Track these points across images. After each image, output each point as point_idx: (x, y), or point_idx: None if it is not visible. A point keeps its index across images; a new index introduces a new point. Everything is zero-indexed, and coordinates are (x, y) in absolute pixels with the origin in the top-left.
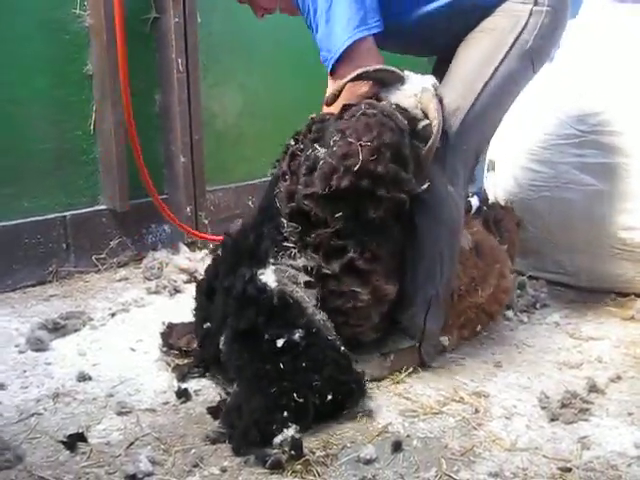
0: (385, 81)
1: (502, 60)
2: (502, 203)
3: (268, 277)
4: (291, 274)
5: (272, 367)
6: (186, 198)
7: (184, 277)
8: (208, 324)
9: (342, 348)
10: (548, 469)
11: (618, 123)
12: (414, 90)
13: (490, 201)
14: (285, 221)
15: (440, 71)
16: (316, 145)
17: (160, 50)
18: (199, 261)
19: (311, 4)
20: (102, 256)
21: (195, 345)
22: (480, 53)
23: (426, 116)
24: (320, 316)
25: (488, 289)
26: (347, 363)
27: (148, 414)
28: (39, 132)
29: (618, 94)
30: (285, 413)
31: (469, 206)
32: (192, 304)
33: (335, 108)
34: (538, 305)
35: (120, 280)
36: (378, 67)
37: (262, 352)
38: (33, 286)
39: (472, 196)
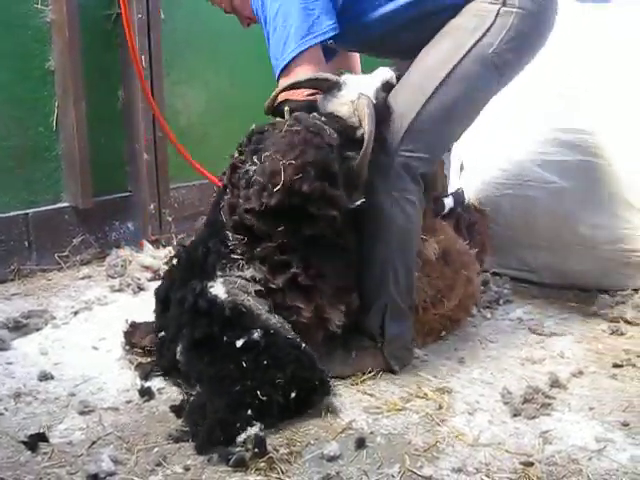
0: (321, 88)
1: (459, 62)
2: (477, 205)
3: (218, 289)
4: (241, 284)
5: (234, 366)
6: (150, 195)
7: (148, 275)
8: (163, 333)
9: (303, 345)
10: (511, 464)
11: (580, 121)
12: (350, 96)
13: (465, 203)
14: (230, 234)
15: None
16: (254, 158)
17: (123, 46)
18: (163, 259)
19: (261, 13)
20: (65, 254)
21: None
22: (437, 55)
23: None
24: (275, 319)
25: (454, 299)
26: (310, 360)
27: (111, 413)
28: (0, 129)
29: (580, 93)
30: (249, 411)
31: (441, 207)
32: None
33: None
34: (501, 301)
35: (83, 278)
36: (311, 76)
37: (222, 353)
38: None
39: (447, 196)
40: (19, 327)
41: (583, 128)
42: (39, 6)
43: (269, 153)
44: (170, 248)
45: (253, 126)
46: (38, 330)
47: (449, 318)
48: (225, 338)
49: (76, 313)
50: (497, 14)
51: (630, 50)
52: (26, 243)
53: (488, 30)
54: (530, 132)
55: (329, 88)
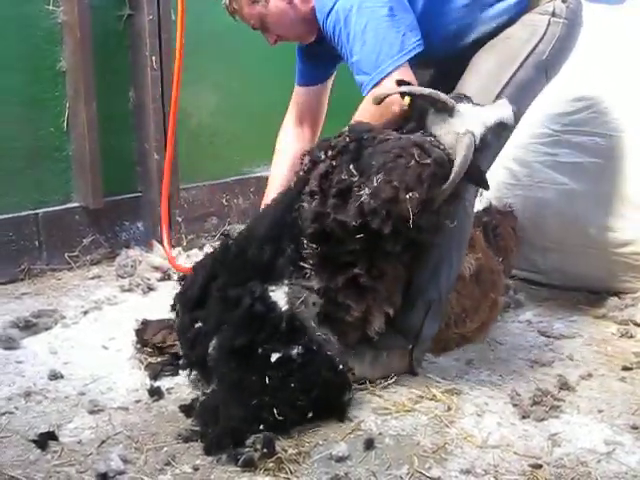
0: (430, 107)
1: (518, 68)
2: (500, 206)
3: (279, 297)
4: (302, 297)
5: (258, 379)
6: (160, 196)
7: (157, 275)
8: (200, 324)
9: (340, 366)
10: (519, 466)
11: (592, 123)
12: (458, 128)
13: (486, 204)
14: (306, 241)
15: (439, 83)
16: (352, 169)
17: (134, 48)
18: (177, 257)
19: (344, 27)
20: (75, 254)
21: (170, 341)
22: (496, 61)
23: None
24: (322, 332)
25: (477, 321)
26: (340, 383)
27: (120, 412)
28: (11, 129)
29: (592, 94)
30: (261, 426)
31: None
32: (167, 301)
33: (371, 117)
34: (512, 304)
35: (93, 278)
36: (430, 91)
37: (253, 363)
38: (4, 284)
39: None
40: (29, 326)
41: (595, 130)
42: (50, 7)
43: (386, 178)
44: (180, 248)
45: (346, 129)
46: (48, 329)
47: (467, 339)
48: (261, 350)
49: (86, 313)
50: (548, 24)
51: None
52: (36, 243)
53: (542, 39)
54: (541, 133)
55: (440, 110)
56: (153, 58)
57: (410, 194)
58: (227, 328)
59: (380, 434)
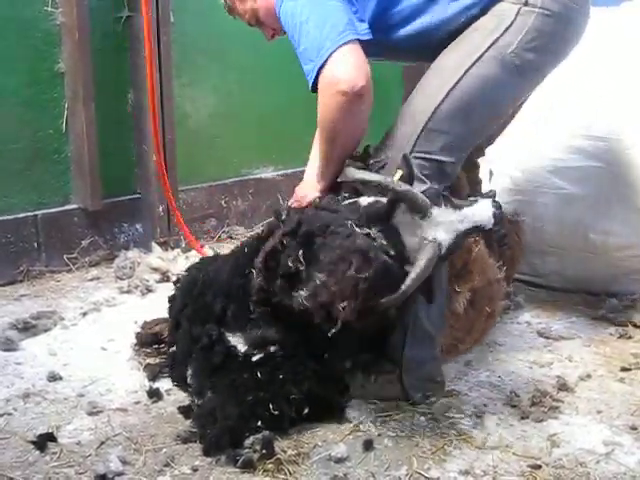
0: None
1: (475, 62)
2: (509, 215)
3: (237, 341)
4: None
5: (249, 376)
6: (158, 198)
7: (156, 276)
8: (174, 349)
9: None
10: (518, 467)
11: (592, 128)
12: (427, 233)
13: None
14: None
15: None
16: (300, 257)
17: (133, 49)
18: (171, 260)
19: (290, 19)
20: (74, 255)
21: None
22: (455, 56)
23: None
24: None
25: (470, 342)
26: (329, 375)
27: (119, 414)
28: (10, 131)
29: (595, 98)
30: (259, 422)
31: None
32: (164, 304)
33: (331, 111)
34: (511, 306)
35: (92, 279)
36: (405, 190)
37: (238, 366)
38: (3, 286)
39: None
40: (28, 328)
41: (597, 134)
42: (49, 9)
43: (326, 284)
44: (178, 250)
45: (289, 203)
46: (47, 331)
47: (460, 352)
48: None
49: (85, 314)
50: (517, 13)
51: None
52: (35, 244)
53: (507, 29)
54: (541, 138)
55: (412, 209)
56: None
57: (343, 304)
58: (196, 361)
59: (379, 435)
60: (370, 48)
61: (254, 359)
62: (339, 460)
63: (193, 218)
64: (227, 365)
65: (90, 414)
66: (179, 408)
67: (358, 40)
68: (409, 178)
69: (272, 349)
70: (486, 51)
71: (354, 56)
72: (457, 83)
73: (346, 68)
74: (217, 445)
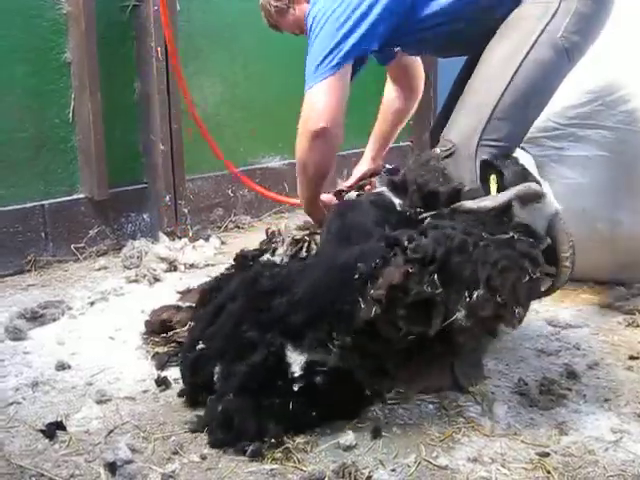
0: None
1: (531, 48)
2: None
3: (295, 360)
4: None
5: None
6: (165, 187)
7: (164, 266)
8: (202, 345)
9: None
10: (526, 454)
11: (598, 116)
12: (548, 209)
13: None
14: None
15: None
16: (436, 280)
17: (139, 38)
18: (179, 250)
19: (311, 34)
20: (81, 245)
21: (176, 321)
22: (509, 43)
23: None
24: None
25: None
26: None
27: (127, 402)
28: (17, 121)
29: (598, 87)
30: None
31: None
32: (171, 293)
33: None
34: None
35: (99, 269)
36: (523, 189)
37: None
38: (11, 275)
39: None
40: (36, 317)
41: (602, 123)
42: None
43: (492, 296)
44: (186, 239)
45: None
46: (55, 320)
47: None
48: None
49: (92, 304)
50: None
51: None
52: (42, 234)
53: (554, 16)
54: (547, 127)
55: (530, 201)
56: (158, 49)
57: (518, 310)
58: (236, 366)
59: (387, 423)
60: (404, 44)
61: (295, 388)
62: (347, 448)
63: (200, 208)
64: (270, 382)
65: (99, 403)
66: (180, 395)
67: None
68: (502, 178)
69: (317, 379)
70: (539, 37)
71: (331, 93)
72: (517, 71)
73: (317, 106)
74: (223, 441)
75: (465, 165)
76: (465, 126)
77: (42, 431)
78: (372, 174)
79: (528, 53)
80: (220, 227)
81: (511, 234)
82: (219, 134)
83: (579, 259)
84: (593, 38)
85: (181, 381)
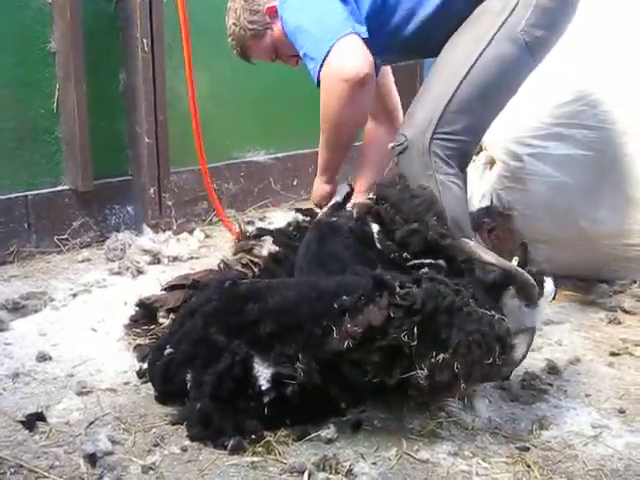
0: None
1: (489, 43)
2: (501, 207)
3: (262, 374)
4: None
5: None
6: (150, 179)
7: (147, 258)
8: (170, 350)
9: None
10: (507, 448)
11: (581, 116)
12: (528, 321)
13: (487, 204)
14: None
15: None
16: (414, 332)
17: (125, 29)
18: (162, 243)
19: (291, 23)
20: (64, 237)
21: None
22: (468, 38)
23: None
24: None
25: None
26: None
27: (108, 394)
28: (0, 111)
29: (582, 86)
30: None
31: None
32: (155, 286)
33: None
34: None
35: (82, 261)
36: (530, 283)
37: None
38: None
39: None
40: (18, 308)
41: (585, 122)
42: None
43: (451, 364)
44: (170, 232)
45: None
46: (37, 312)
47: None
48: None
49: (75, 295)
50: None
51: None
52: (26, 225)
53: (514, 9)
54: (532, 127)
55: (524, 298)
56: (144, 40)
57: (464, 385)
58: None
59: (368, 416)
60: (375, 47)
61: (265, 400)
62: (329, 441)
63: (184, 201)
64: (239, 391)
65: (79, 394)
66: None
67: (359, 36)
68: (525, 262)
69: (288, 390)
70: (497, 31)
71: (355, 45)
72: (473, 65)
73: (349, 56)
74: (203, 435)
75: (419, 160)
76: (419, 120)
77: (22, 422)
78: None
79: (485, 48)
80: (204, 220)
81: (493, 313)
82: (205, 128)
83: (562, 256)
84: (558, 33)
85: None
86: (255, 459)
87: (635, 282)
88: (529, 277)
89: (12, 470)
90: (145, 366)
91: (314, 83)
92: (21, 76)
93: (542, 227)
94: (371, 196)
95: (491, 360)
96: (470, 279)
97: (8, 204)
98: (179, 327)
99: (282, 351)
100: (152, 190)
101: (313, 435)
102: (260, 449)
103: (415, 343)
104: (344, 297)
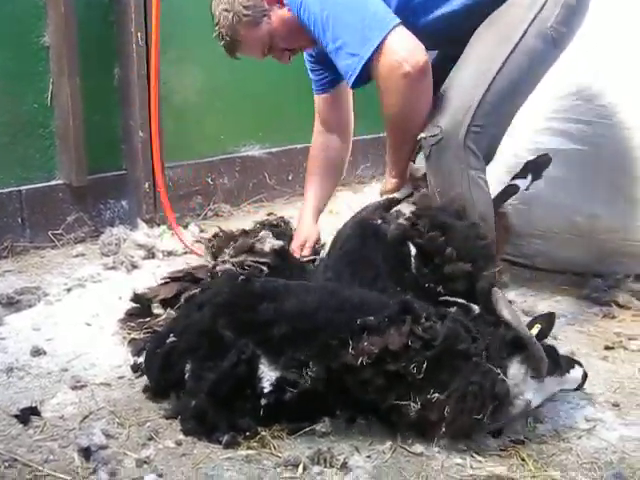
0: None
1: (522, 37)
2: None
3: (267, 375)
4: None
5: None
6: (145, 174)
7: (142, 253)
8: (173, 338)
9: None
10: (501, 442)
11: (576, 110)
12: (528, 394)
13: None
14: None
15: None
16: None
17: (119, 23)
18: (157, 237)
19: (319, 13)
20: (58, 232)
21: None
22: (499, 30)
23: None
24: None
25: None
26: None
27: (103, 388)
28: None
29: (576, 81)
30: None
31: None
32: (149, 281)
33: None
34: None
35: (77, 256)
36: (540, 355)
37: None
38: None
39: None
40: (12, 303)
41: (580, 117)
42: None
43: (443, 405)
44: (164, 227)
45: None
46: (31, 307)
47: None
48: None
49: (69, 290)
50: None
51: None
52: (19, 220)
53: (543, 6)
54: (524, 120)
55: (531, 367)
56: (139, 34)
57: (444, 430)
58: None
59: (363, 410)
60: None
61: (263, 402)
62: (323, 434)
63: (179, 195)
64: (239, 391)
65: (74, 388)
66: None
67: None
68: (545, 334)
69: (287, 396)
70: (529, 26)
71: (407, 37)
72: (507, 59)
73: (404, 50)
74: (197, 430)
75: (454, 153)
76: (453, 111)
77: (16, 416)
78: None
79: (518, 43)
80: (199, 215)
81: (499, 371)
82: (199, 122)
83: (558, 250)
84: (576, 30)
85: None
86: (250, 453)
87: (629, 277)
88: (541, 349)
89: (6, 464)
90: (140, 360)
91: (349, 82)
92: (14, 70)
93: (537, 222)
94: (412, 212)
95: (480, 416)
96: (492, 330)
97: (2, 199)
98: (185, 318)
99: (293, 356)
100: (147, 184)
101: (308, 429)
102: (255, 444)
103: (420, 377)
104: (369, 317)
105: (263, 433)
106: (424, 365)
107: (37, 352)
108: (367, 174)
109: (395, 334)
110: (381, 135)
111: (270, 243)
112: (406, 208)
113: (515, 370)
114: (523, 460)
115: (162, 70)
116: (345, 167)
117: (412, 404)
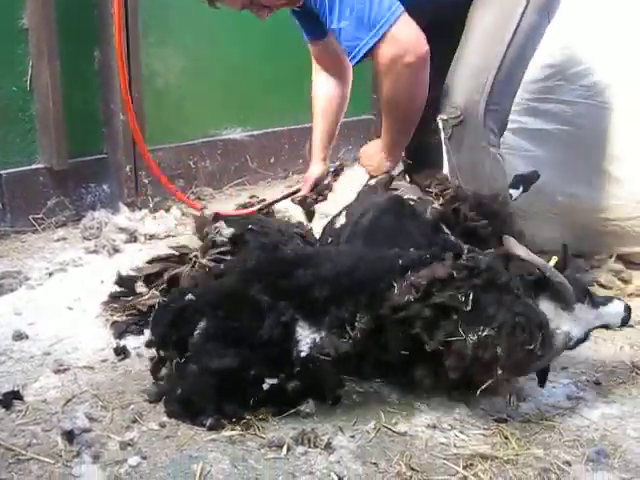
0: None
1: (522, 15)
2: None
3: (305, 338)
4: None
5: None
6: (126, 157)
7: (123, 237)
8: (191, 297)
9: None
10: (485, 421)
11: (558, 91)
12: (564, 324)
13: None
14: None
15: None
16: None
17: (99, 6)
18: (139, 221)
19: None
20: (39, 216)
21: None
22: (499, 9)
23: None
24: None
25: None
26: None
27: (86, 371)
28: None
29: (559, 61)
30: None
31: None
32: (132, 264)
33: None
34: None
35: (58, 240)
36: (565, 285)
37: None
38: None
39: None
40: None
41: (562, 97)
42: None
43: (495, 343)
44: (146, 210)
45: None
46: (12, 291)
47: None
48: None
49: (51, 274)
50: None
51: (617, 20)
52: (0, 205)
53: None
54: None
55: (559, 299)
56: None
57: (501, 370)
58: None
59: (347, 390)
60: None
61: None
62: (307, 415)
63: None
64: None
65: (56, 372)
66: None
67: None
68: (563, 266)
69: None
70: (528, 2)
71: (411, 26)
72: (515, 33)
73: (409, 40)
74: (180, 414)
75: (475, 132)
76: (469, 90)
77: None
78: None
79: (521, 18)
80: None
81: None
82: (181, 104)
83: (539, 230)
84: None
85: (140, 349)
86: (234, 434)
87: (611, 257)
88: (562, 277)
89: None
90: (123, 343)
91: (351, 61)
92: None
93: (518, 201)
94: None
95: (532, 347)
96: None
97: None
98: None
99: (337, 315)
100: (128, 168)
101: (292, 410)
102: (239, 426)
103: (469, 308)
104: (410, 252)
105: (248, 417)
106: (471, 296)
107: (19, 336)
108: (349, 157)
109: (439, 265)
110: (363, 117)
111: (227, 232)
112: (412, 191)
113: (545, 307)
114: (506, 438)
115: (143, 53)
116: (347, 102)
117: (468, 337)
